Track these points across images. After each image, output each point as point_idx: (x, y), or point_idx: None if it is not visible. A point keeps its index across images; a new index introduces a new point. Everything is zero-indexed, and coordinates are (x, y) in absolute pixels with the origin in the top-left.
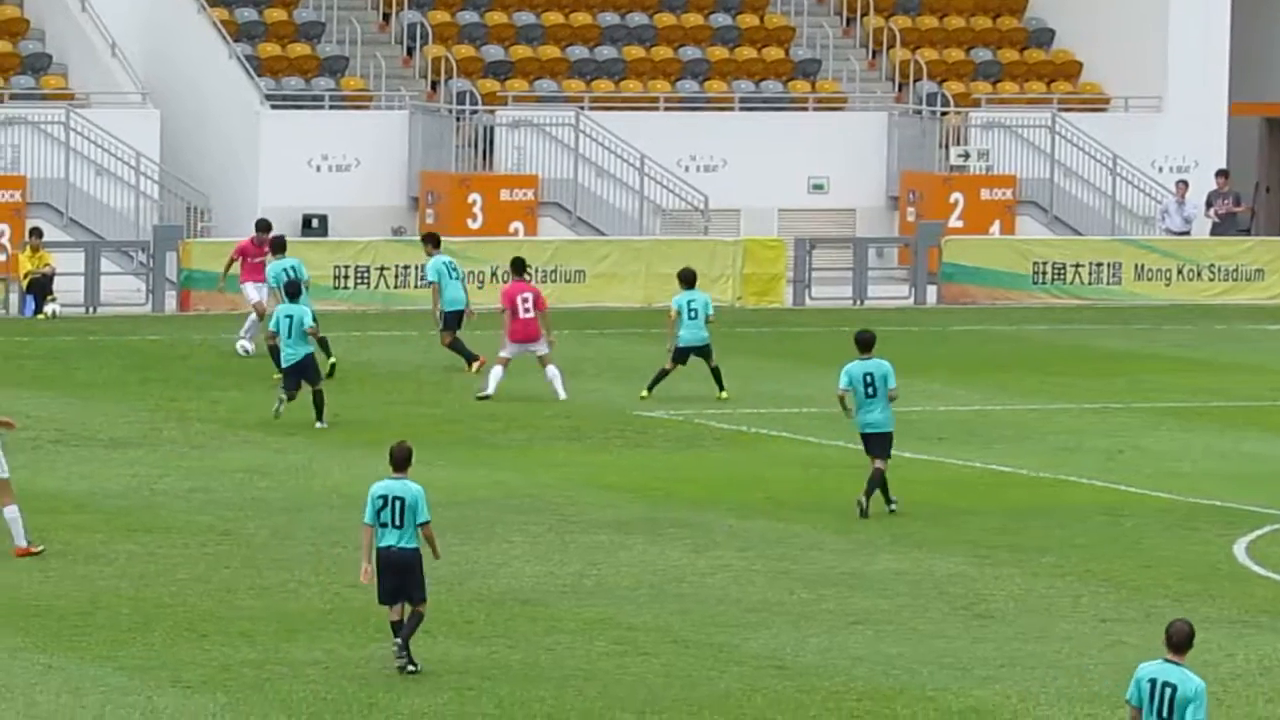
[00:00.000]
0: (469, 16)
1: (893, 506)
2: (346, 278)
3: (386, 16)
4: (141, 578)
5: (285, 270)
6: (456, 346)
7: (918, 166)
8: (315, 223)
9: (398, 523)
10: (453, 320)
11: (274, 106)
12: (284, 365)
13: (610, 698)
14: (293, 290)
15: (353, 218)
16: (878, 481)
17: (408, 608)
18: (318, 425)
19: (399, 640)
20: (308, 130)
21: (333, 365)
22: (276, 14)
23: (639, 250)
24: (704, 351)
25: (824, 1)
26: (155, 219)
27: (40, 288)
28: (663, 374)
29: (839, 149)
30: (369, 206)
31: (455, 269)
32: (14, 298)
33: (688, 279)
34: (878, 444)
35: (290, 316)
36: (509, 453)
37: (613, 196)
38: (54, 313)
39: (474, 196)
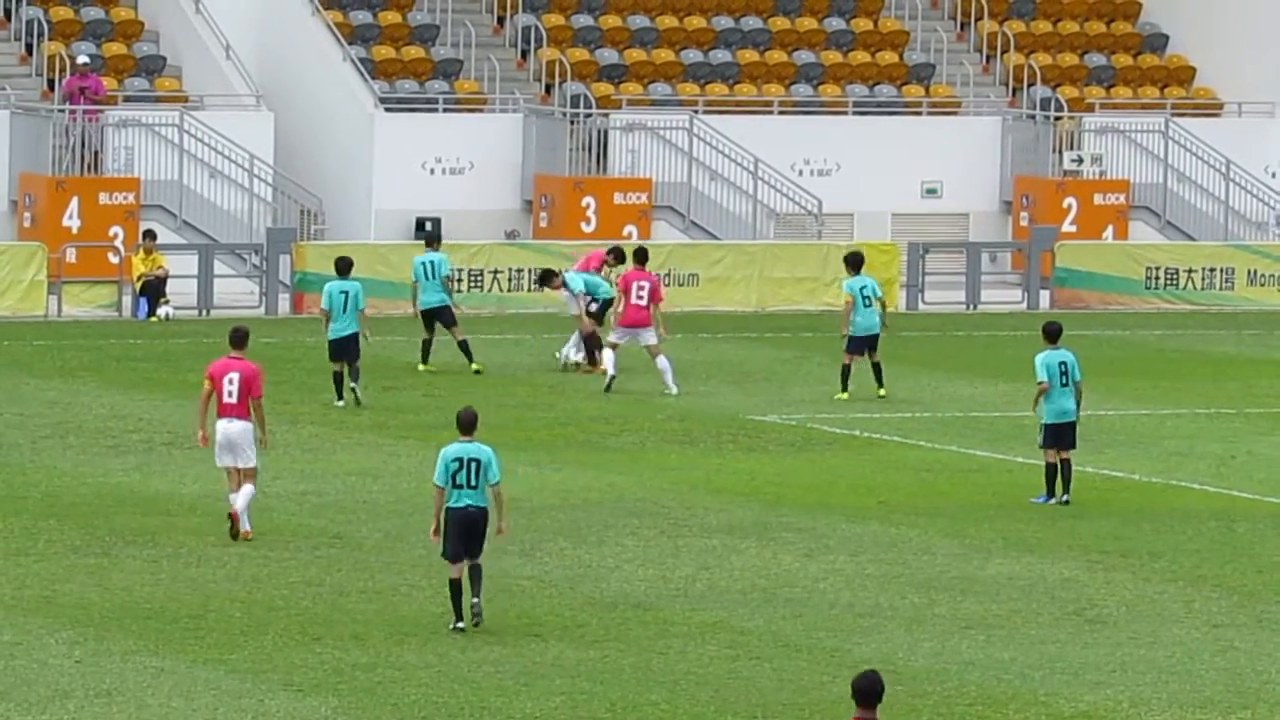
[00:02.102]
0: (583, 20)
1: (1066, 498)
2: (460, 281)
3: (501, 20)
4: (254, 580)
5: (343, 291)
6: (426, 346)
7: (1031, 171)
8: (429, 226)
9: (472, 483)
10: (428, 319)
11: (388, 109)
12: (331, 338)
13: (722, 702)
14: (344, 266)
15: (466, 221)
16: (1069, 471)
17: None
18: (351, 386)
19: (476, 599)
20: (421, 133)
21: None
22: (391, 17)
23: (752, 254)
24: (873, 342)
25: (938, 6)
26: (269, 222)
27: (153, 290)
28: (845, 370)
29: (952, 153)
30: (482, 210)
31: (433, 270)
32: (127, 300)
33: (855, 262)
34: (1069, 433)
35: (345, 293)
36: (621, 456)
37: (726, 200)
38: (167, 315)
39: (587, 200)
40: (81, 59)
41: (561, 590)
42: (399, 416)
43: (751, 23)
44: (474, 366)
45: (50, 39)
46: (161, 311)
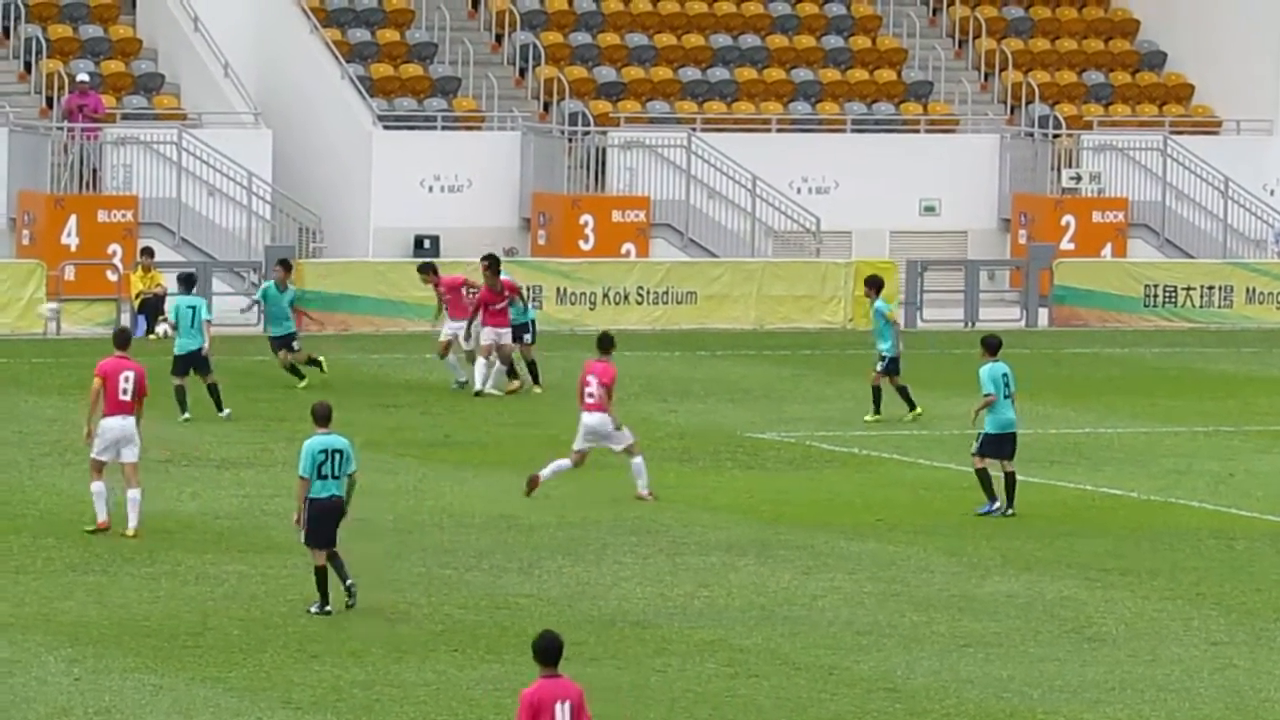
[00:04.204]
0: (581, 38)
1: (1011, 510)
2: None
3: (499, 37)
4: (252, 598)
5: (190, 307)
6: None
7: (1029, 189)
8: (427, 244)
9: (336, 474)
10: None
11: (386, 127)
12: (177, 353)
13: (720, 719)
14: (188, 280)
15: (464, 239)
16: (1013, 483)
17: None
18: (221, 415)
19: (350, 580)
20: (420, 151)
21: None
22: (389, 35)
23: (750, 272)
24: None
25: (936, 24)
26: (267, 239)
27: (151, 308)
28: (876, 392)
29: (951, 171)
30: (481, 227)
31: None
32: (125, 318)
33: (878, 285)
34: (1011, 444)
35: (192, 308)
36: (620, 474)
37: (724, 218)
38: (165, 333)
39: (586, 218)
40: (80, 77)
41: (559, 608)
42: (396, 435)
43: (749, 41)
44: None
45: (49, 56)
46: (160, 329)
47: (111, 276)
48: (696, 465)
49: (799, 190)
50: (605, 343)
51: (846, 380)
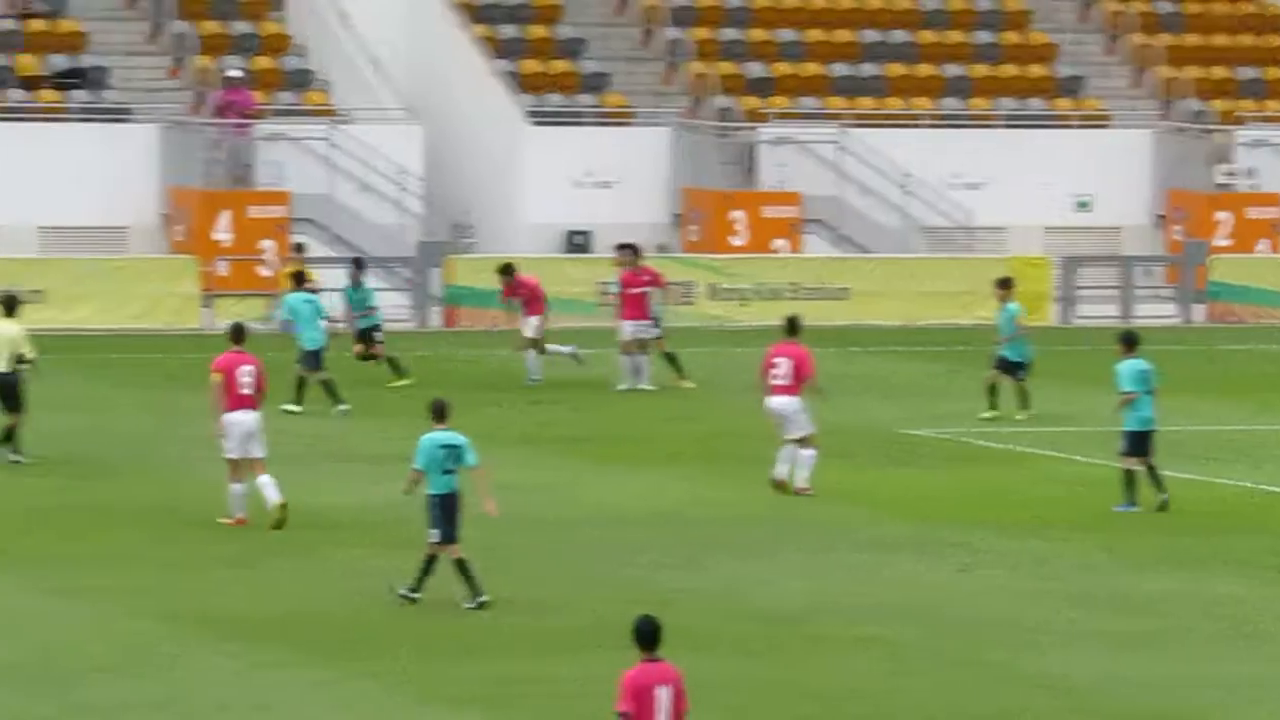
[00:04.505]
0: (731, 33)
1: (1165, 497)
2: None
3: (648, 33)
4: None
5: (307, 302)
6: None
7: (1183, 184)
8: (578, 239)
9: (451, 469)
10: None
11: (536, 123)
12: (309, 348)
13: (879, 716)
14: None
15: (615, 234)
16: (1156, 472)
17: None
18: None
19: (482, 600)
20: (570, 147)
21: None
22: (538, 31)
23: (902, 268)
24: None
25: (1087, 19)
26: (419, 235)
27: None
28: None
29: (1103, 167)
30: (631, 223)
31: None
32: (279, 313)
33: (1008, 285)
34: (1150, 441)
35: (310, 303)
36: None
37: (875, 214)
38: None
39: (736, 214)
40: (231, 73)
41: (717, 603)
42: (551, 430)
43: (899, 36)
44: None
45: (200, 53)
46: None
47: (264, 272)
48: (851, 462)
49: (950, 186)
50: (793, 325)
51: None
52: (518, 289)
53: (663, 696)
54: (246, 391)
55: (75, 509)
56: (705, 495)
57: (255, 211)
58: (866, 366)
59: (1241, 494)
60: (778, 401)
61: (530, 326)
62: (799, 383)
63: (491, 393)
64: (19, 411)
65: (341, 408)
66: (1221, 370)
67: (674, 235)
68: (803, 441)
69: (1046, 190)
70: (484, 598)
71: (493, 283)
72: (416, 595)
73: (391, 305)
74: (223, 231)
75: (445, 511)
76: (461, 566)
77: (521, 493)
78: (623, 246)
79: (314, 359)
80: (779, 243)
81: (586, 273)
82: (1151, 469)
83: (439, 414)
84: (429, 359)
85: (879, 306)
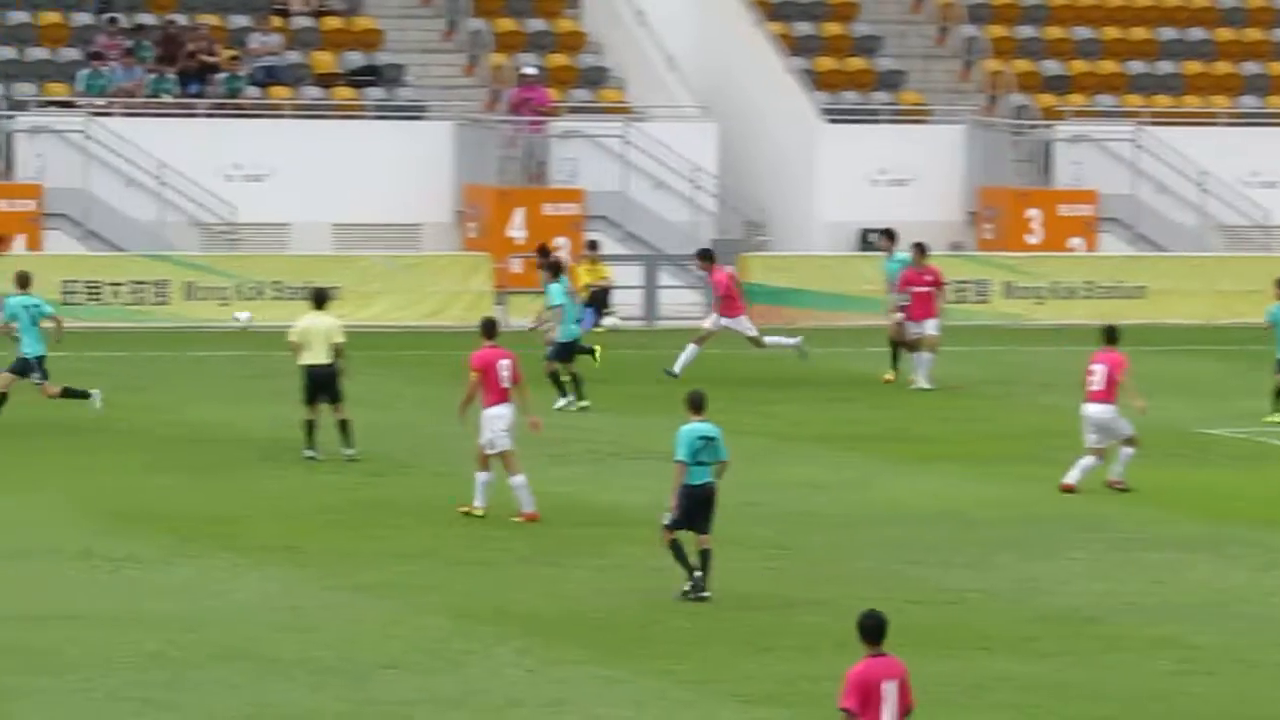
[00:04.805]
0: (1027, 31)
1: None
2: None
3: (944, 31)
4: None
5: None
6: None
7: None
8: (872, 237)
9: (709, 460)
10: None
11: (831, 121)
12: (561, 340)
13: (1175, 717)
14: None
15: (909, 232)
16: None
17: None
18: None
19: (703, 593)
20: (864, 145)
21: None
22: (834, 28)
23: (1200, 267)
24: None
25: None
26: (713, 233)
27: (599, 300)
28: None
29: None
30: (926, 221)
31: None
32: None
33: None
34: None
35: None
36: (1065, 470)
37: (1172, 212)
38: (613, 325)
39: (1032, 212)
40: (527, 70)
41: (1010, 604)
42: (845, 428)
43: (1197, 34)
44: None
45: (495, 50)
46: (606, 322)
47: None
48: (1147, 461)
49: (1247, 184)
50: (1111, 333)
51: None
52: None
53: (889, 691)
54: (506, 385)
55: (368, 505)
56: (996, 495)
57: (549, 209)
58: (1162, 365)
59: None
60: (1092, 409)
61: (711, 320)
62: (1112, 389)
63: (788, 390)
64: (339, 401)
65: (581, 404)
66: None
67: (969, 233)
68: (1129, 441)
69: None
70: (705, 594)
71: (788, 280)
72: (705, 593)
73: (685, 303)
74: (517, 229)
75: (699, 502)
76: (705, 557)
77: (815, 490)
78: (916, 245)
79: (566, 351)
80: (1075, 241)
81: (880, 271)
82: None
83: (696, 405)
84: (720, 357)
85: (1175, 305)
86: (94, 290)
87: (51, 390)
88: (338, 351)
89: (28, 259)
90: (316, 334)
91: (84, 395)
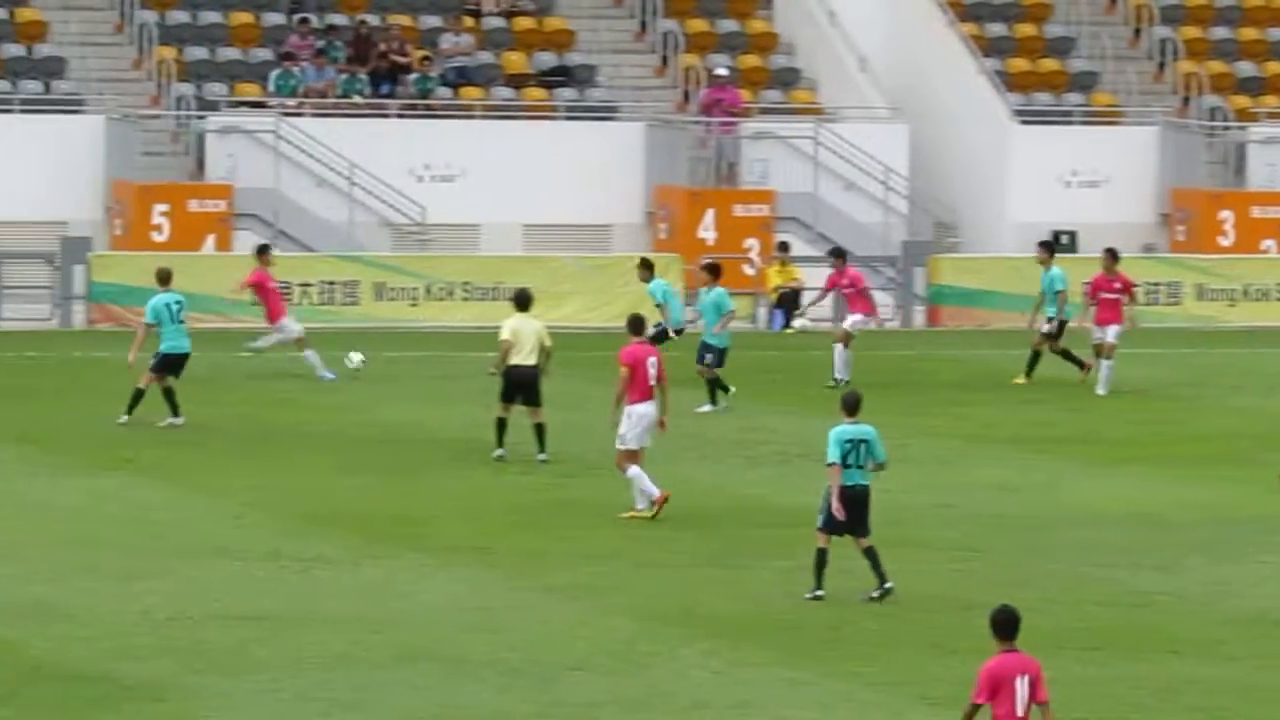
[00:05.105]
0: (1221, 32)
1: None
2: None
3: (1137, 31)
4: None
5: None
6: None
7: None
8: (1064, 239)
9: (860, 463)
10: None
11: (1023, 122)
12: (707, 340)
13: None
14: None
15: (1101, 235)
16: None
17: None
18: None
19: (887, 586)
20: (1057, 146)
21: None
22: (1026, 29)
23: None
24: None
25: None
26: (903, 234)
27: (788, 302)
28: None
29: None
30: (1118, 223)
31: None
32: (762, 311)
33: None
34: None
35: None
36: (1266, 471)
37: None
38: (803, 327)
39: (1225, 214)
40: (719, 71)
41: (1199, 606)
42: (1036, 430)
43: None
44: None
45: (686, 51)
46: (796, 323)
47: (748, 270)
48: None
49: None
50: None
51: None
52: (841, 280)
53: (1021, 687)
54: (652, 383)
55: (557, 506)
56: (1187, 497)
57: (740, 210)
58: None
59: None
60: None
61: (850, 321)
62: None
63: (980, 392)
64: (537, 405)
65: (716, 408)
66: None
67: (1161, 235)
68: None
69: None
70: (888, 585)
71: (978, 282)
72: (821, 594)
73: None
74: (707, 230)
75: (852, 504)
76: (870, 555)
77: (1006, 492)
78: (1108, 251)
79: (720, 356)
80: (1267, 243)
81: (1072, 273)
82: None
83: (849, 407)
84: (910, 358)
85: None
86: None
87: (153, 380)
88: (546, 354)
89: (217, 259)
90: (526, 335)
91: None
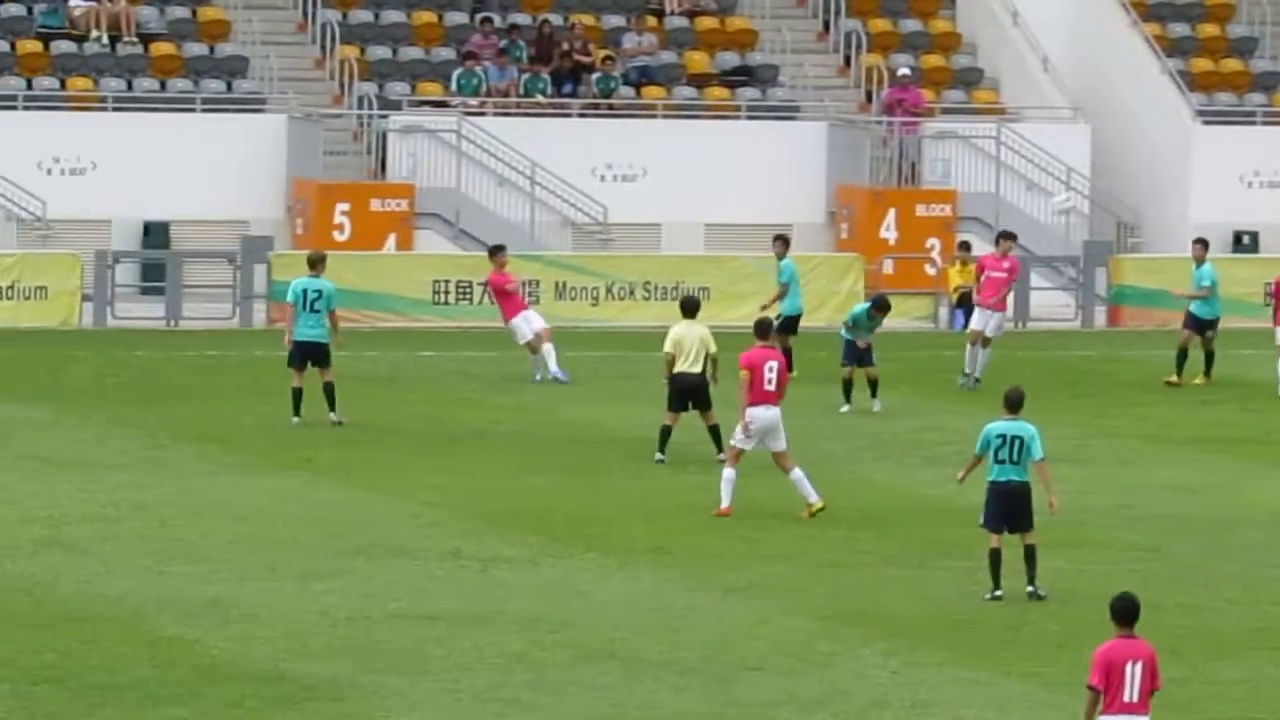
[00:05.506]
0: None
1: None
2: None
3: None
4: (1069, 593)
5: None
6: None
7: None
8: (1246, 239)
9: (1015, 459)
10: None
11: (1205, 122)
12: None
13: None
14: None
15: None
16: None
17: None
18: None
19: (1031, 586)
20: (1239, 146)
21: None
22: (1209, 29)
23: None
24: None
25: None
26: (1085, 234)
27: (969, 302)
28: None
29: None
30: None
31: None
32: (943, 311)
33: None
34: None
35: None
36: None
37: None
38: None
39: None
40: (901, 71)
41: None
42: (1216, 431)
43: None
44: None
45: (869, 51)
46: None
47: (930, 270)
48: None
49: None
50: None
51: None
52: (1002, 263)
53: (1134, 672)
54: (770, 388)
55: (735, 507)
56: None
57: (921, 210)
58: None
59: None
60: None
61: (992, 324)
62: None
63: (1160, 392)
64: (708, 408)
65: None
66: None
67: None
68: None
69: None
70: (1038, 590)
71: (1160, 282)
72: (999, 594)
73: (1056, 305)
74: (889, 229)
75: (1006, 500)
76: (1027, 554)
77: (1186, 493)
78: None
79: (869, 354)
80: None
81: (1253, 273)
82: None
83: (1010, 404)
84: (1091, 359)
85: None
86: (464, 290)
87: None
88: (712, 361)
89: (397, 259)
90: (690, 342)
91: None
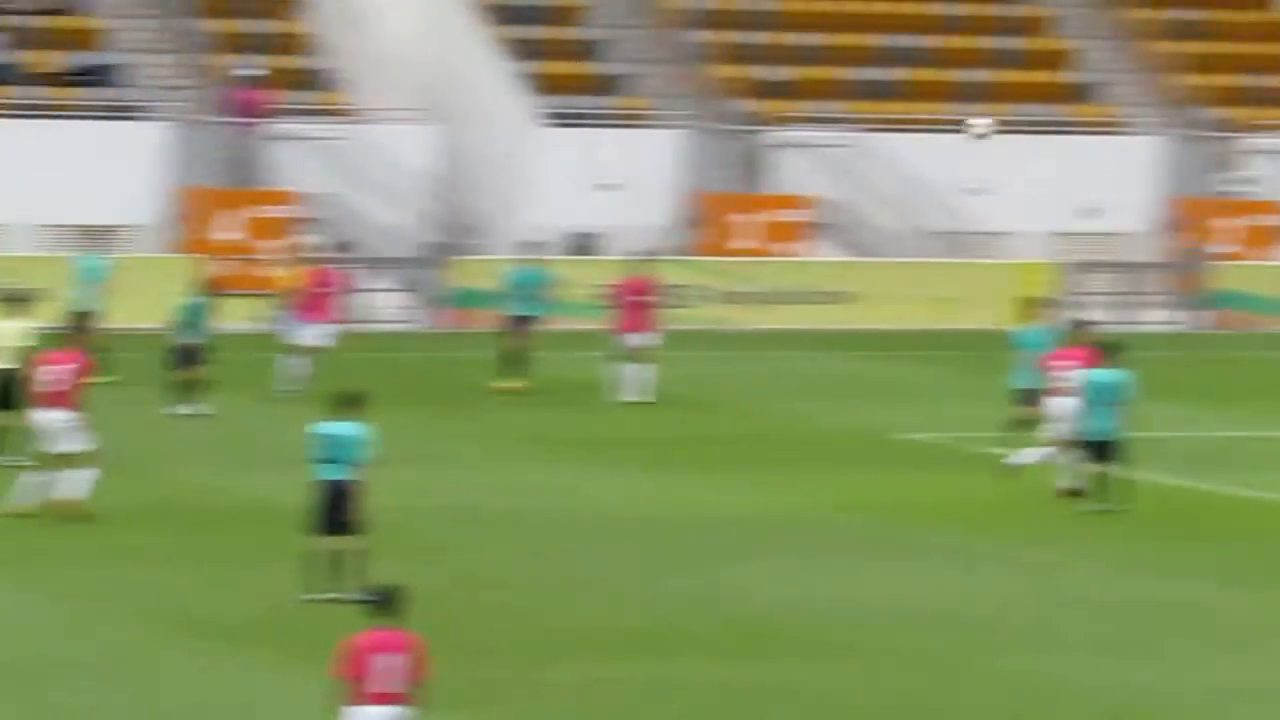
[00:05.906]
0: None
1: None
2: None
3: (668, 36)
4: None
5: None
6: None
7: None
8: (585, 243)
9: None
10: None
11: (549, 125)
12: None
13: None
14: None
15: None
16: None
17: None
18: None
19: None
20: (582, 150)
21: None
22: (561, 32)
23: None
24: None
25: (1104, 25)
26: (432, 237)
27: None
28: None
29: (1114, 173)
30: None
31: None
32: (280, 314)
33: None
34: (1113, 449)
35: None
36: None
37: None
38: None
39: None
40: (245, 71)
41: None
42: (551, 431)
43: None
44: None
45: (218, 51)
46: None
47: (268, 273)
48: None
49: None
50: None
51: None
52: (328, 280)
53: (387, 664)
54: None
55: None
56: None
57: (261, 211)
58: None
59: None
60: None
61: (315, 333)
62: None
63: (497, 396)
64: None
65: None
66: (1222, 376)
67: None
68: None
69: (1055, 196)
70: (356, 595)
71: (498, 284)
72: (325, 596)
73: (396, 306)
74: (227, 230)
75: (334, 499)
76: (353, 556)
77: (519, 495)
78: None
79: (199, 354)
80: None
81: (591, 275)
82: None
83: (344, 405)
84: (432, 360)
85: None
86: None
87: None
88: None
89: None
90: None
91: None
